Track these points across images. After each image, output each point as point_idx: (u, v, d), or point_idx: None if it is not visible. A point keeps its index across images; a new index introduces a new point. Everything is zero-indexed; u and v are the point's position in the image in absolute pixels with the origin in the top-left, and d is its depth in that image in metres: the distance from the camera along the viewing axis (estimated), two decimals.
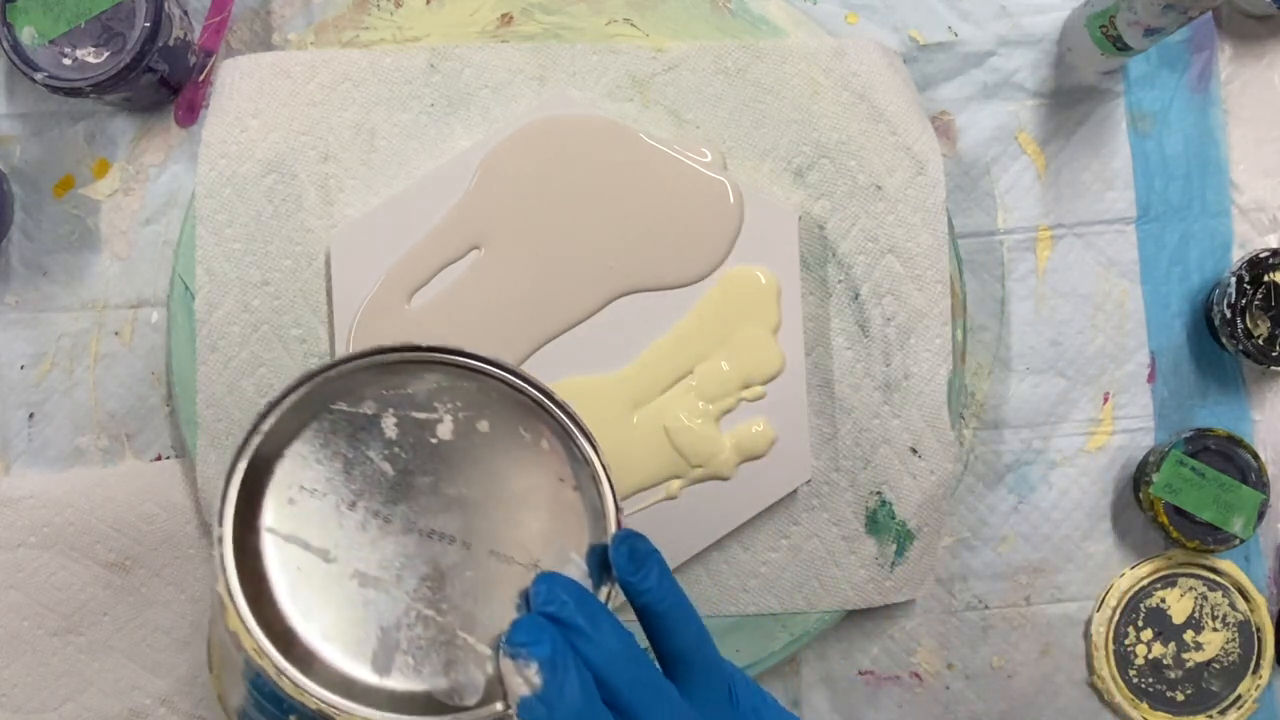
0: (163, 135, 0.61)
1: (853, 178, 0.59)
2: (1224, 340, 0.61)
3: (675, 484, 0.57)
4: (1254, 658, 0.62)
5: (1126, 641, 0.62)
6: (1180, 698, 0.62)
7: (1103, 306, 0.63)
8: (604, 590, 0.37)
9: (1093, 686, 0.62)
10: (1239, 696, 0.62)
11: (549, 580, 0.35)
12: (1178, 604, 0.62)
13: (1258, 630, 0.62)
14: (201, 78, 0.61)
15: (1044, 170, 0.63)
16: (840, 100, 0.59)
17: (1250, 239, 0.64)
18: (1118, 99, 0.63)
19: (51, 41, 0.56)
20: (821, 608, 0.59)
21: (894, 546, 0.59)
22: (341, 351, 0.57)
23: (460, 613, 0.35)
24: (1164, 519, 0.59)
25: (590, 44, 0.60)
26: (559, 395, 0.38)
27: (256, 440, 0.35)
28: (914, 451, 0.59)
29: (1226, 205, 0.64)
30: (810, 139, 0.59)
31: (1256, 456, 0.60)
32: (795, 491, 0.59)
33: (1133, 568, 0.62)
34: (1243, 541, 0.60)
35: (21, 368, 0.61)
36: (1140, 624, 0.62)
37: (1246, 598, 0.62)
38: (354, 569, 0.34)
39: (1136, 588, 0.62)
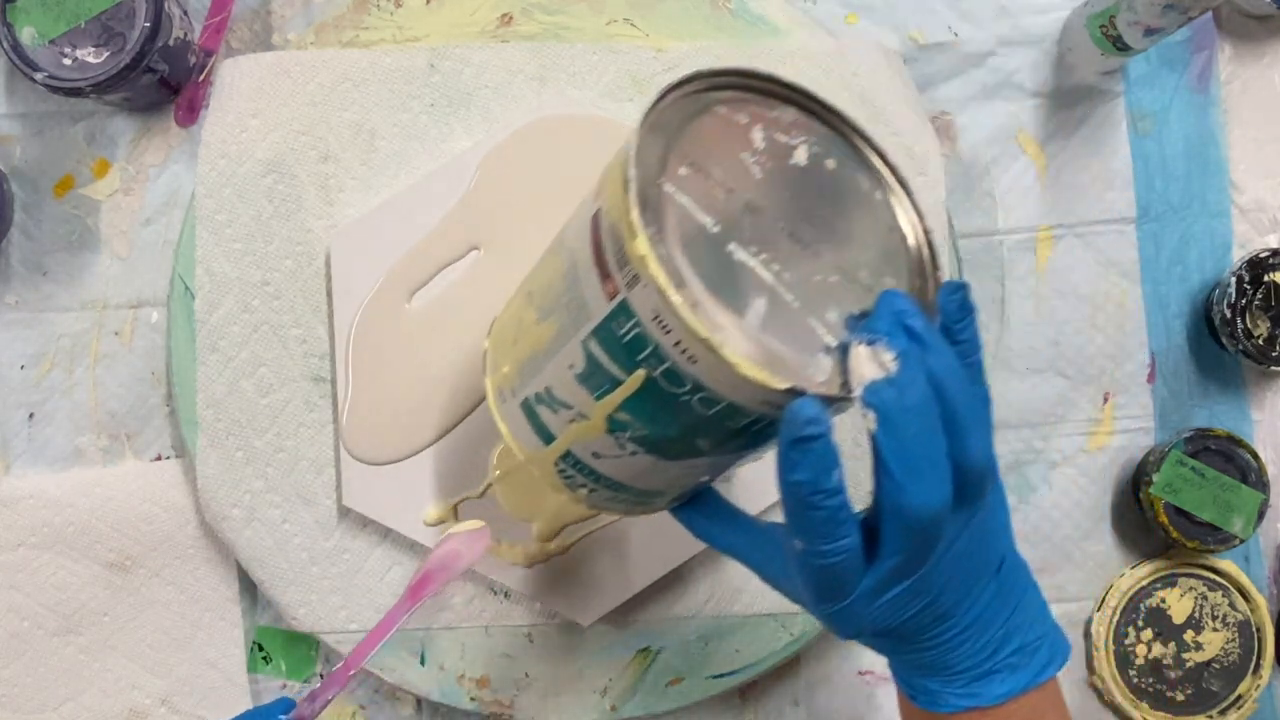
0: (163, 135, 0.61)
1: None
2: (1224, 340, 0.61)
3: None
4: (1254, 658, 0.62)
5: (1126, 641, 0.62)
6: (1180, 698, 0.62)
7: (1103, 306, 0.63)
8: None
9: (1093, 686, 0.62)
10: (1239, 696, 0.62)
11: (900, 295, 0.37)
12: (1178, 604, 0.62)
13: (1258, 630, 0.62)
14: (201, 78, 0.61)
15: (1044, 170, 0.63)
16: (840, 100, 0.59)
17: (1250, 239, 0.64)
18: (1118, 99, 0.63)
19: (51, 41, 0.56)
20: None
21: None
22: (341, 352, 0.57)
23: (812, 306, 0.38)
24: (1164, 519, 0.59)
25: (590, 44, 0.60)
26: (891, 158, 0.42)
27: (657, 110, 0.38)
28: None
29: (1226, 205, 0.64)
30: None
31: (1256, 456, 0.60)
32: None
33: (1133, 568, 0.62)
34: (1243, 541, 0.60)
35: (21, 368, 0.61)
36: (1140, 624, 0.62)
37: (1246, 598, 0.62)
38: (730, 242, 0.37)
39: (1136, 588, 0.62)
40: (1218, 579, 0.62)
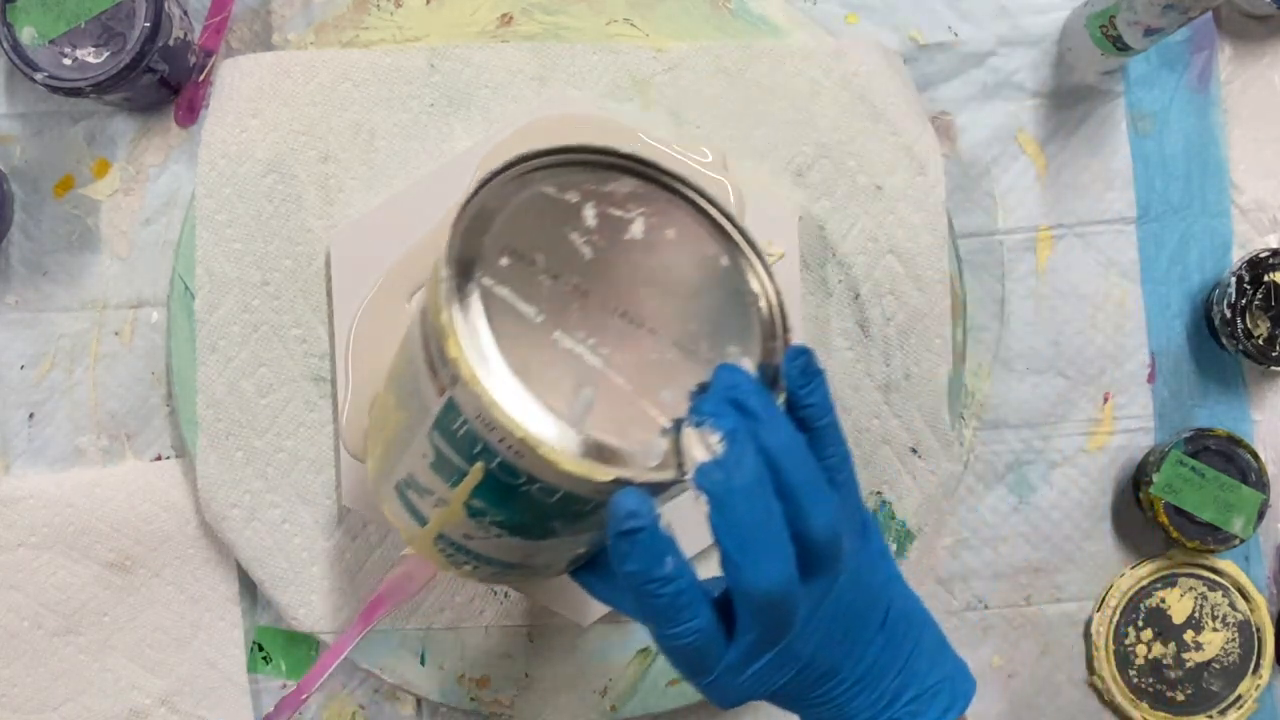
0: (163, 135, 0.61)
1: (853, 178, 0.59)
2: (1224, 340, 0.61)
3: None
4: (1254, 658, 0.62)
5: (1126, 641, 0.62)
6: (1180, 698, 0.62)
7: (1103, 306, 0.63)
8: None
9: (1093, 686, 0.62)
10: (1239, 696, 0.62)
11: (733, 370, 0.37)
12: (1178, 604, 0.62)
13: (1258, 630, 0.62)
14: (201, 78, 0.61)
15: (1044, 170, 0.63)
16: (840, 100, 0.59)
17: (1250, 239, 0.64)
18: (1118, 99, 0.63)
19: (51, 41, 0.56)
20: None
21: (894, 546, 0.59)
22: (341, 352, 0.57)
23: (646, 388, 0.37)
24: (1164, 519, 0.59)
25: (590, 44, 0.60)
26: (739, 221, 0.41)
27: (479, 199, 0.37)
28: (914, 451, 0.59)
29: (1226, 205, 0.64)
30: (810, 139, 0.59)
31: (1256, 456, 0.60)
32: None
33: (1133, 568, 0.62)
34: (1243, 541, 0.60)
35: (21, 368, 0.61)
36: (1140, 624, 0.62)
37: (1246, 598, 0.62)
38: (555, 331, 0.37)
39: (1136, 588, 0.62)
40: (1218, 579, 0.62)
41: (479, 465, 0.37)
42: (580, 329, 0.37)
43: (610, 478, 0.35)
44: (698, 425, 0.36)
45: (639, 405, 0.37)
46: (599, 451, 0.35)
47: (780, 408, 0.38)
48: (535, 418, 0.35)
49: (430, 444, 0.39)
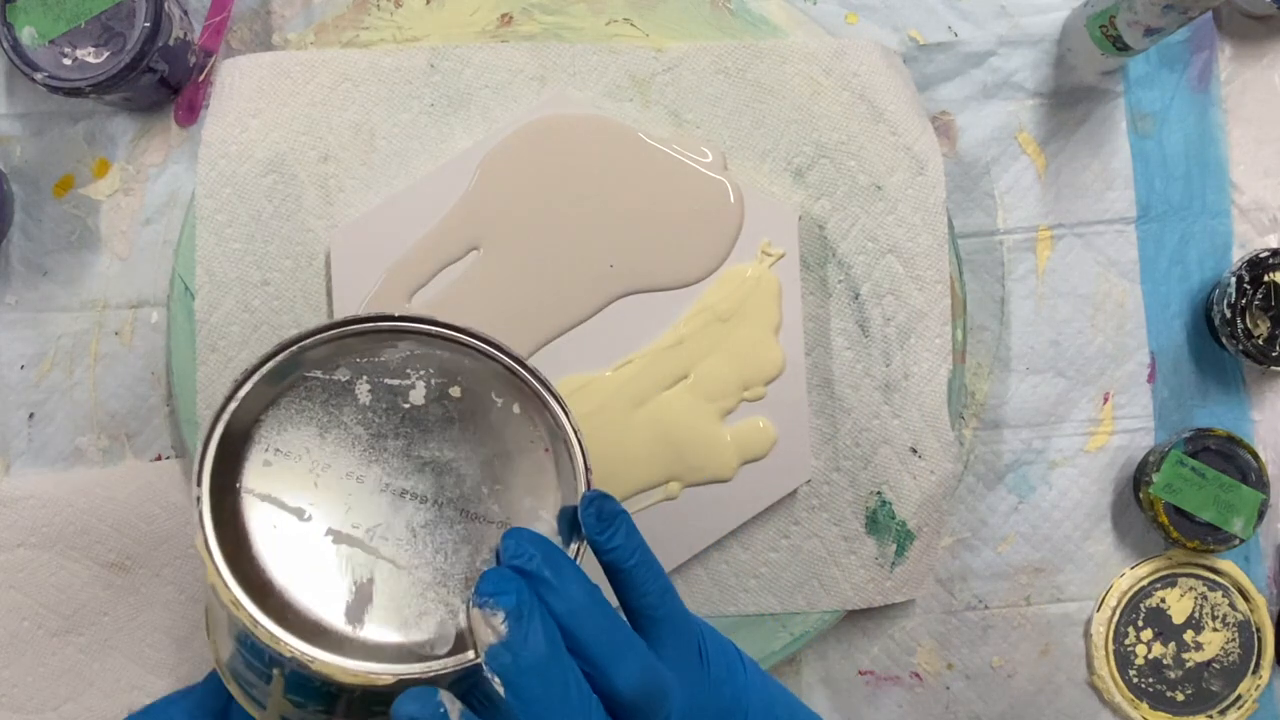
0: (163, 135, 0.61)
1: (853, 178, 0.59)
2: (1224, 340, 0.61)
3: (675, 485, 0.57)
4: (1254, 658, 0.62)
5: (1126, 641, 0.62)
6: (1180, 698, 0.62)
7: (1103, 306, 0.63)
8: (573, 547, 0.38)
9: (1093, 686, 0.62)
10: (1239, 696, 0.62)
11: (516, 534, 0.36)
12: (1178, 604, 0.62)
13: (1258, 630, 0.62)
14: (201, 78, 0.61)
15: (1044, 170, 0.63)
16: (840, 100, 0.59)
17: (1250, 239, 0.64)
18: (1118, 99, 0.63)
19: (51, 41, 0.56)
20: (821, 608, 0.59)
21: (894, 546, 0.59)
22: None
23: (432, 568, 0.36)
24: (1164, 519, 0.59)
25: (590, 44, 0.60)
26: (530, 362, 0.40)
27: (233, 406, 0.36)
28: (914, 451, 0.59)
29: (1226, 205, 0.64)
30: (810, 139, 0.59)
31: (1256, 456, 0.60)
32: (795, 491, 0.59)
33: (1133, 568, 0.62)
34: (1243, 541, 0.60)
35: (21, 368, 0.61)
36: (1140, 624, 0.62)
37: (1246, 598, 0.62)
38: (328, 527, 0.36)
39: (1136, 588, 0.62)
40: (1218, 579, 0.62)
41: (277, 671, 0.36)
42: (356, 518, 0.36)
43: (392, 679, 0.34)
44: (480, 606, 0.34)
45: (425, 589, 0.36)
46: (380, 651, 0.34)
47: (576, 558, 0.37)
48: (306, 629, 0.34)
49: (233, 645, 0.38)
